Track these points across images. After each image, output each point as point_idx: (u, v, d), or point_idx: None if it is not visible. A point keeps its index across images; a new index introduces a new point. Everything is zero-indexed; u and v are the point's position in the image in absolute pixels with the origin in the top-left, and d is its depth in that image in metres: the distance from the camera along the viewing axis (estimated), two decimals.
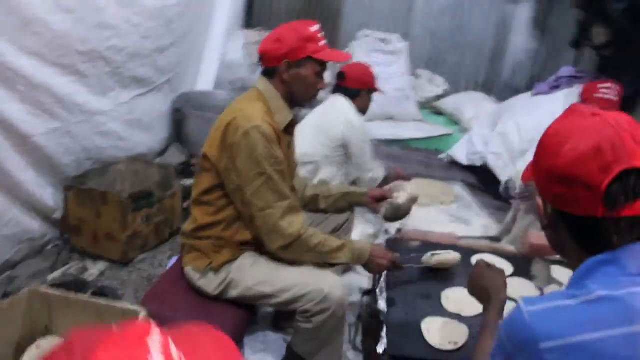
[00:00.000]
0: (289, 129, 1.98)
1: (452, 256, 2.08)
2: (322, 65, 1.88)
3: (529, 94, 4.12)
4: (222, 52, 4.59)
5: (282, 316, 2.37)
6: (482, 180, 4.09)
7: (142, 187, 3.06)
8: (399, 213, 2.24)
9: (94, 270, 2.72)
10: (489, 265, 1.59)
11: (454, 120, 5.11)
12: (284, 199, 1.80)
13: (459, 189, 3.92)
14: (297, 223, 1.80)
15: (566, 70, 3.92)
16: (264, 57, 1.88)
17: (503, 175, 3.73)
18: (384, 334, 1.84)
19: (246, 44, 4.98)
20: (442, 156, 4.54)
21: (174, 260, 2.30)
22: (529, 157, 3.51)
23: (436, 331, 1.84)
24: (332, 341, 1.91)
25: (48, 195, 2.71)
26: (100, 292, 2.44)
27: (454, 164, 4.39)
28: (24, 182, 2.53)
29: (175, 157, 3.80)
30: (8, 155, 2.43)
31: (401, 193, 2.26)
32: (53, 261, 2.74)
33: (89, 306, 1.77)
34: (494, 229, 3.38)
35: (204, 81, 4.37)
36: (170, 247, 2.95)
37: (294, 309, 1.85)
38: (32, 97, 2.46)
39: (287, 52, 1.82)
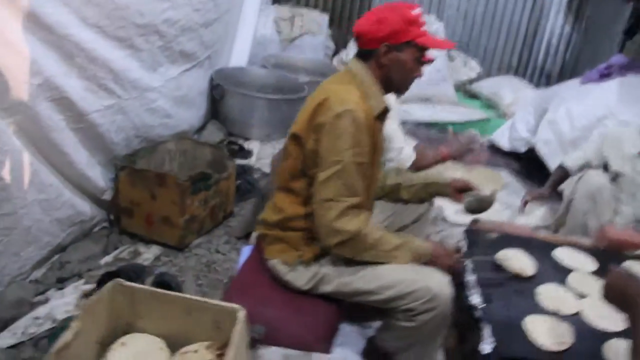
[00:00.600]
0: (381, 116, 1.85)
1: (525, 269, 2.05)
2: (422, 51, 1.75)
3: (576, 81, 4.02)
4: (255, 28, 4.41)
5: (355, 308, 2.27)
6: (526, 167, 4.01)
7: (190, 167, 2.94)
8: (483, 205, 2.14)
9: (148, 255, 2.59)
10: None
11: (490, 105, 5.01)
12: (353, 196, 1.65)
13: (505, 176, 3.82)
14: (357, 221, 1.66)
15: (618, 59, 3.82)
16: (361, 38, 1.75)
17: (552, 163, 3.65)
18: (486, 333, 1.75)
19: (277, 19, 4.81)
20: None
21: (246, 250, 2.16)
22: (581, 146, 3.44)
23: (541, 331, 1.76)
24: (429, 340, 1.82)
25: (98, 175, 2.57)
26: (162, 280, 2.32)
27: (493, 149, 4.30)
28: (77, 162, 2.39)
29: (213, 134, 3.67)
30: (65, 134, 2.29)
31: (485, 185, 2.17)
32: (104, 244, 2.61)
33: (177, 302, 1.63)
34: (547, 218, 3.30)
35: (238, 57, 4.20)
36: (225, 231, 2.82)
37: (394, 307, 1.74)
38: (90, 72, 2.31)
39: (389, 34, 1.69)
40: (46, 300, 2.22)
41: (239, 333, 1.51)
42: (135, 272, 2.37)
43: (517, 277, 2.02)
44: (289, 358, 1.75)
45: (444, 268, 1.81)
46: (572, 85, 3.99)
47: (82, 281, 2.35)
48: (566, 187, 2.98)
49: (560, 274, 2.09)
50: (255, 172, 3.39)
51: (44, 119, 2.12)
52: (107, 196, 2.65)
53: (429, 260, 1.77)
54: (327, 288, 1.80)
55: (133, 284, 1.64)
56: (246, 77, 4.10)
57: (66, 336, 1.42)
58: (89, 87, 2.33)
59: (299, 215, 1.80)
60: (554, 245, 2.30)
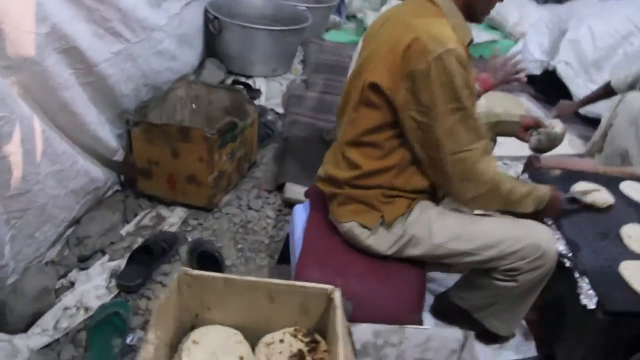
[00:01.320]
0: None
1: (604, 199, 1.92)
2: None
3: None
4: None
5: None
6: (542, 90, 3.82)
7: (206, 114, 2.64)
8: (554, 143, 1.96)
9: (173, 219, 2.32)
10: None
11: (492, 25, 4.75)
12: (481, 139, 1.47)
13: (525, 101, 3.64)
14: (492, 167, 1.50)
15: None
16: None
17: (573, 85, 3.48)
18: (585, 285, 1.62)
19: None
20: None
21: (299, 210, 1.92)
22: (604, 66, 3.27)
23: None
24: (521, 298, 1.67)
25: (108, 134, 2.24)
26: (201, 251, 2.08)
27: None
28: (88, 123, 2.06)
29: (214, 74, 3.32)
30: (75, 92, 1.95)
31: (555, 121, 1.98)
32: (121, 212, 2.32)
33: (259, 287, 1.38)
34: (578, 145, 3.16)
35: None
36: (252, 184, 2.56)
37: (494, 267, 1.58)
38: (97, 13, 1.96)
39: None
40: (71, 285, 1.95)
41: (341, 320, 1.30)
42: (166, 242, 2.13)
43: (597, 211, 1.89)
44: (380, 334, 1.57)
45: (553, 214, 1.68)
46: (591, 2, 3.77)
47: (106, 257, 2.09)
48: (604, 111, 2.83)
49: (635, 210, 1.97)
50: (268, 114, 3.09)
51: (53, 75, 1.79)
52: (119, 157, 2.34)
53: (544, 207, 1.63)
54: (414, 251, 1.61)
55: (202, 272, 1.38)
56: (240, 7, 3.70)
57: (145, 353, 1.18)
58: (97, 32, 1.99)
59: (380, 170, 1.57)
60: (618, 179, 2.17)
